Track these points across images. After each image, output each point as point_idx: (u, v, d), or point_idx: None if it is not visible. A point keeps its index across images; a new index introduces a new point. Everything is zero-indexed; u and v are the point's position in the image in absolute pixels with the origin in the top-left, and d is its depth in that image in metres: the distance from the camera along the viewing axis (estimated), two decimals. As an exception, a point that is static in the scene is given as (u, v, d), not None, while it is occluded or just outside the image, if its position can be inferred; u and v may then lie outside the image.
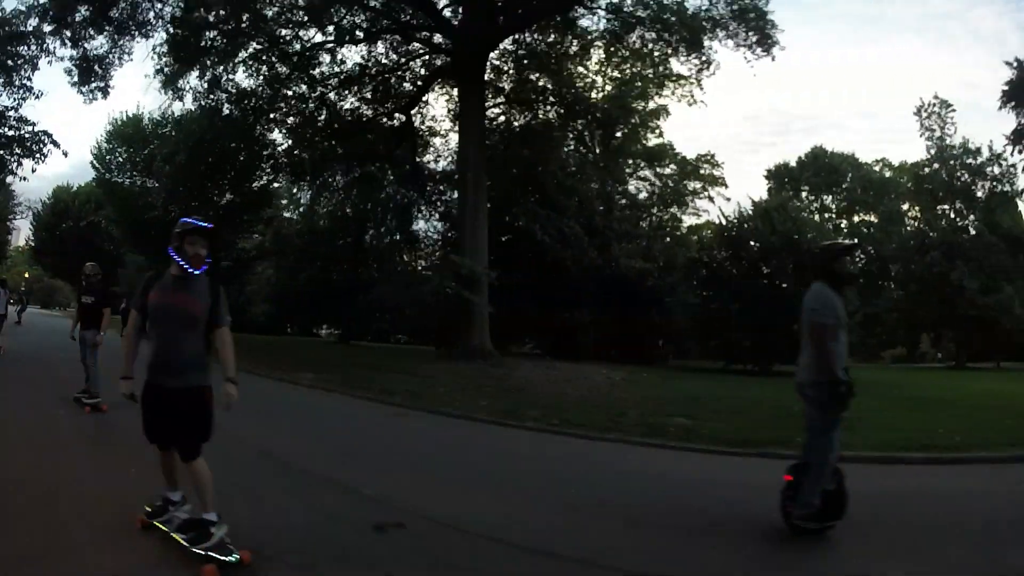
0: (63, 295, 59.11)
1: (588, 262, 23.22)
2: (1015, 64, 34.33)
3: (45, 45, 17.77)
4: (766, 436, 7.63)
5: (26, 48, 17.76)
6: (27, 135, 18.83)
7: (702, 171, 39.58)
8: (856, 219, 43.98)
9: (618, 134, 31.49)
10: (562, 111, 22.76)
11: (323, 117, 23.03)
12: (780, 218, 21.57)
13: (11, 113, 18.58)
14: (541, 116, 23.39)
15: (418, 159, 24.69)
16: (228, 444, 4.73)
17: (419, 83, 22.02)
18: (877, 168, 45.96)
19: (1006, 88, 35.98)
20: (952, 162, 38.02)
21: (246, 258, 31.84)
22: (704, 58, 18.55)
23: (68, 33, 17.28)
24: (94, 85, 18.28)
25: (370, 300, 25.81)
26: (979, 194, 37.36)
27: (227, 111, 21.11)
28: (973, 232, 36.34)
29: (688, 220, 37.30)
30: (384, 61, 21.46)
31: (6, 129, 18.71)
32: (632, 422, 8.92)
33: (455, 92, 21.88)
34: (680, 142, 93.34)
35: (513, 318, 24.10)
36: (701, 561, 3.82)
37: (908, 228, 38.02)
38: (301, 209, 32.30)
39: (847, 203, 42.47)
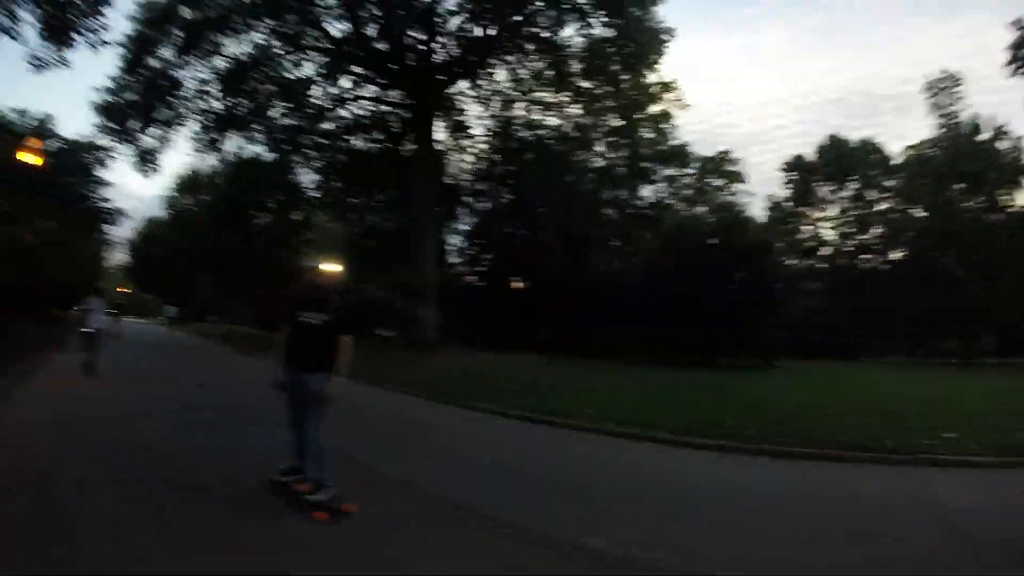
0: (154, 306, 68.52)
1: (564, 268, 26.58)
2: (1021, 25, 32.20)
3: (110, 152, 27.27)
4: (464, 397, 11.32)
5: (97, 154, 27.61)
6: (109, 211, 31.48)
7: (725, 168, 41.07)
8: (883, 207, 43.30)
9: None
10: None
11: (344, 157, 28.51)
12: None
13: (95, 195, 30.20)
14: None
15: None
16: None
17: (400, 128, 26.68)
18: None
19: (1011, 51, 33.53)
20: (962, 141, 36.72)
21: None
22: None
23: (127, 137, 24.70)
24: (149, 167, 25.44)
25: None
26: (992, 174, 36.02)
27: (270, 155, 27.53)
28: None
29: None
30: (373, 110, 26.47)
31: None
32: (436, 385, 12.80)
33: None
34: (764, 131, 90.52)
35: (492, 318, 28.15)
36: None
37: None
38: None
39: (865, 190, 42.44)
